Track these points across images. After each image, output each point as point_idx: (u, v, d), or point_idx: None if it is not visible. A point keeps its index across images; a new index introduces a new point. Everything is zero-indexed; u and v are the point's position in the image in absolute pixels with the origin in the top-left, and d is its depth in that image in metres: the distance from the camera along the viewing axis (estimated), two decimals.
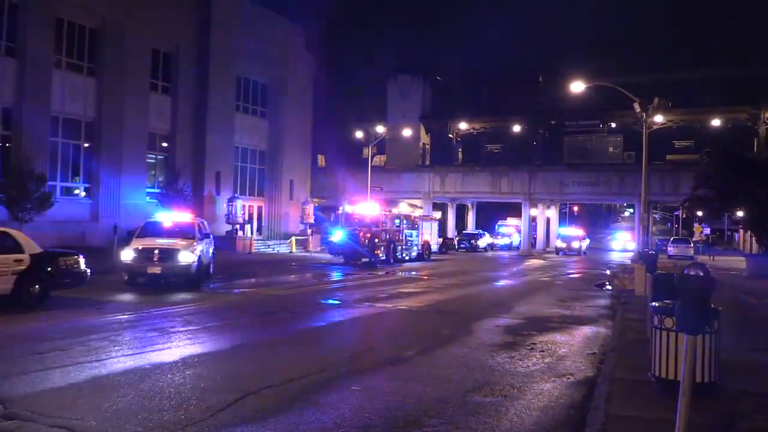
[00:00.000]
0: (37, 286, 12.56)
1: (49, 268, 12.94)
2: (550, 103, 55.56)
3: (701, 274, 4.65)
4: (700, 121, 54.92)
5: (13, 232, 13.26)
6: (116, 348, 9.17)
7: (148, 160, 34.37)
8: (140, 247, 17.04)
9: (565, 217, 69.43)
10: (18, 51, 27.54)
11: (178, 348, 9.34)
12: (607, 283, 21.65)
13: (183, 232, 18.35)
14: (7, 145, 27.43)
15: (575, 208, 78.33)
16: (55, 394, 6.68)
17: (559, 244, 50.92)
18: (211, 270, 20.33)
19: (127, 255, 17.01)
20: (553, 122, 60.34)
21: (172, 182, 31.78)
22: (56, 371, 7.65)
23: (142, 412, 6.13)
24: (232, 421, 5.92)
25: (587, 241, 54.70)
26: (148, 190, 33.34)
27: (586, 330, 12.35)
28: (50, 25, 28.55)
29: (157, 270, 16.81)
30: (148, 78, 33.60)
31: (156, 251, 16.92)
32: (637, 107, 24.71)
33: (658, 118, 32.12)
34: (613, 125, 59.00)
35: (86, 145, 31.02)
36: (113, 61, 30.86)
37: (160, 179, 34.29)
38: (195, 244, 17.81)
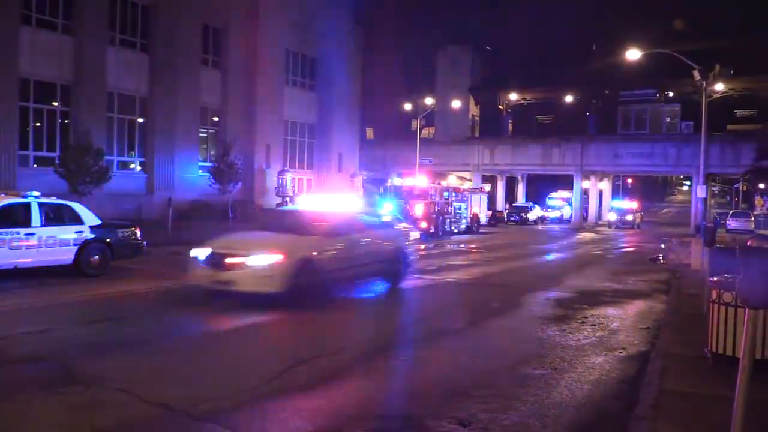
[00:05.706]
0: (96, 257, 13.01)
1: (108, 239, 13.36)
2: (604, 72, 53.74)
3: (766, 246, 4.48)
4: (764, 90, 52.45)
5: (73, 204, 13.69)
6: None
7: (200, 134, 34.98)
8: None
9: (618, 190, 67.76)
10: (74, 29, 28.19)
11: (250, 317, 9.58)
12: (661, 257, 21.11)
13: None
14: (66, 121, 28.30)
15: (629, 181, 76.27)
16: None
17: (612, 217, 49.75)
18: None
19: None
20: (606, 92, 58.47)
21: (223, 155, 32.29)
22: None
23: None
24: (286, 388, 6.06)
25: (641, 214, 53.29)
26: (201, 163, 33.99)
27: (640, 304, 12.11)
28: (105, 2, 29.13)
29: None
30: (200, 53, 33.98)
31: None
32: (696, 75, 23.78)
33: (719, 87, 30.88)
34: (671, 94, 56.71)
35: (140, 120, 31.73)
36: (165, 38, 31.35)
37: (211, 153, 34.90)
38: None
